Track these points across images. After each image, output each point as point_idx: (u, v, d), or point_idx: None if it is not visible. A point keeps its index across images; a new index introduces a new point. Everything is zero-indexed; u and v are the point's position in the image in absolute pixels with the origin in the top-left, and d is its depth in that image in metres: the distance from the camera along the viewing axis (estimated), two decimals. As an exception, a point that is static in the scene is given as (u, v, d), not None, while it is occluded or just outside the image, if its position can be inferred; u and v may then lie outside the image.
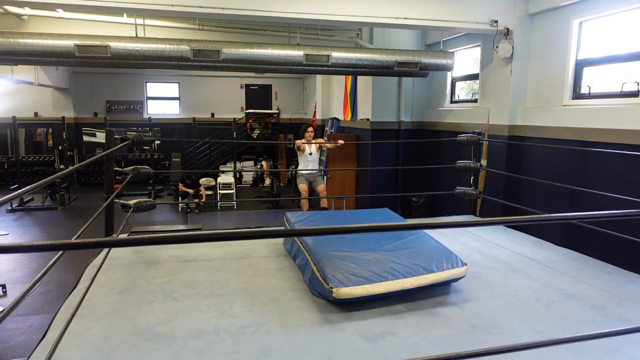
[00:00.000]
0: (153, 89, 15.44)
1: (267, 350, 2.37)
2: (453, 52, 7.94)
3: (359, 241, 3.42)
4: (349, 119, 10.62)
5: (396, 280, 2.86)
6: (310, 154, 7.32)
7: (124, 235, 4.14)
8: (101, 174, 13.85)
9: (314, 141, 7.33)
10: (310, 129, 7.39)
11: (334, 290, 2.72)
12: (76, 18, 7.92)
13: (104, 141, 4.42)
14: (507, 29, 6.25)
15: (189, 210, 10.79)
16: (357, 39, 9.11)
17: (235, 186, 12.49)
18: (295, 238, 3.51)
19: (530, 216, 1.70)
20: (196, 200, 10.96)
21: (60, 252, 2.34)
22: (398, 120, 9.08)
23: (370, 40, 8.83)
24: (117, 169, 4.18)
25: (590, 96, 5.55)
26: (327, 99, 12.81)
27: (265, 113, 15.66)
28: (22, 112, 13.48)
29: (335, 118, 11.61)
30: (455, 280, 3.12)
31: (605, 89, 5.42)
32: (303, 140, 7.21)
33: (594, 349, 2.38)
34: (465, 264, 3.14)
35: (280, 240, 4.05)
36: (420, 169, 8.91)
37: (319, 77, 12.74)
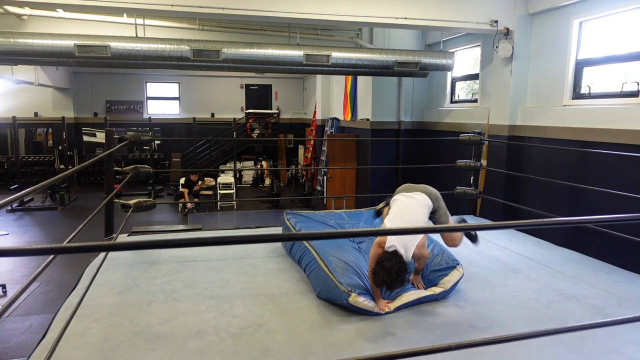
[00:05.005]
0: (153, 89, 15.44)
1: (267, 351, 2.37)
2: (453, 52, 7.93)
3: (364, 244, 3.45)
4: (349, 119, 10.62)
5: (409, 292, 2.93)
6: None
7: (123, 235, 4.15)
8: (101, 174, 13.85)
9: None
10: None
11: (352, 294, 2.74)
12: (76, 18, 7.91)
13: (104, 141, 4.42)
14: (507, 29, 6.25)
15: (187, 210, 10.79)
16: (357, 39, 9.10)
17: (235, 186, 12.49)
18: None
19: (538, 220, 1.67)
20: (196, 200, 10.96)
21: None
22: (398, 120, 9.07)
23: (370, 40, 8.83)
24: (117, 168, 4.18)
25: (590, 96, 5.55)
26: (327, 99, 12.80)
27: (265, 113, 15.66)
28: (22, 112, 13.47)
29: (335, 118, 11.61)
30: (458, 280, 3.12)
31: (605, 89, 5.41)
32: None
33: (594, 349, 2.38)
34: (458, 264, 3.15)
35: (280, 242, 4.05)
36: (420, 169, 8.90)
37: (319, 77, 12.73)
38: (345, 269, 2.99)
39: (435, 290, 3.01)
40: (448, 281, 3.04)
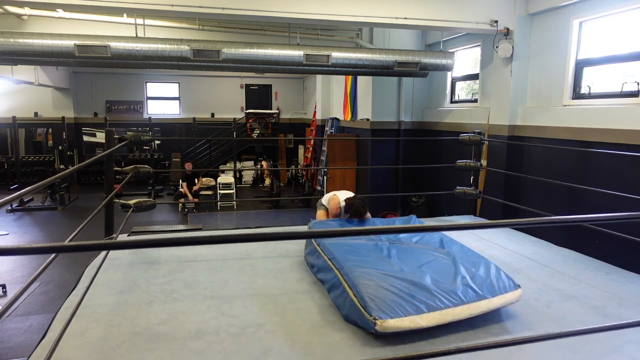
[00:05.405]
0: (153, 89, 15.44)
1: (267, 351, 2.37)
2: (453, 52, 7.93)
3: (394, 257, 3.08)
4: (349, 119, 10.62)
5: (447, 309, 2.51)
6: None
7: (123, 235, 4.15)
8: (101, 174, 13.85)
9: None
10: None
11: (377, 322, 2.36)
12: (76, 18, 7.92)
13: (104, 141, 4.42)
14: (507, 29, 6.25)
15: (186, 210, 10.79)
16: (357, 39, 9.10)
17: (235, 186, 12.50)
18: (322, 253, 3.21)
19: (539, 218, 1.67)
20: (195, 200, 10.96)
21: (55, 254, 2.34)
22: (398, 120, 9.08)
23: (370, 40, 8.83)
24: (117, 168, 4.18)
25: (590, 96, 5.55)
26: (327, 99, 12.80)
27: (265, 113, 15.66)
28: (22, 112, 13.48)
29: (335, 118, 11.61)
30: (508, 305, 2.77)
31: (605, 89, 5.41)
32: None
33: (594, 350, 2.38)
34: (519, 286, 2.80)
35: (280, 241, 4.04)
36: (420, 169, 8.91)
37: (319, 77, 12.74)
38: (367, 284, 2.62)
39: (492, 301, 2.64)
40: (503, 302, 2.71)
